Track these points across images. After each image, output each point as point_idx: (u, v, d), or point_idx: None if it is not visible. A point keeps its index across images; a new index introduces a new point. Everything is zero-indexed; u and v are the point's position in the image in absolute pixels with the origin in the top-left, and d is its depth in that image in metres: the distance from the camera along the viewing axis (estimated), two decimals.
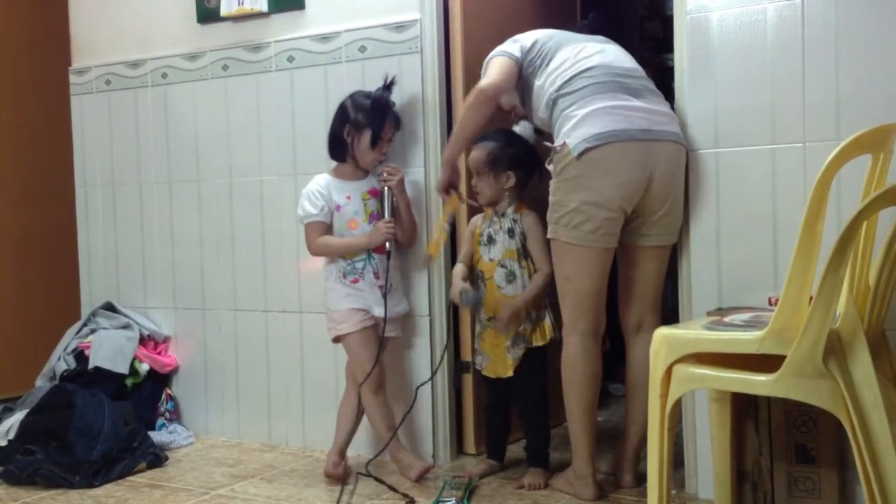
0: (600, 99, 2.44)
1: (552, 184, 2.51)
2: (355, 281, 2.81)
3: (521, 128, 2.79)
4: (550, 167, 2.52)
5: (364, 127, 2.79)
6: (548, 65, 2.58)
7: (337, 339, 2.87)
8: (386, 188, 2.83)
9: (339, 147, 2.86)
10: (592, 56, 2.54)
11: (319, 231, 2.82)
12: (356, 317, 2.81)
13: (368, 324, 2.82)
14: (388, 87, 2.85)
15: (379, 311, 2.81)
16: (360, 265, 2.82)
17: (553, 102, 2.53)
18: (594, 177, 2.41)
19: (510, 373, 2.71)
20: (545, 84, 2.56)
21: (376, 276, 2.82)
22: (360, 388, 2.80)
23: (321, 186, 2.84)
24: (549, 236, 2.55)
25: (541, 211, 2.65)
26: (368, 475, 2.69)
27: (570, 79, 2.50)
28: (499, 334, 2.71)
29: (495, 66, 2.61)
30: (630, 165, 2.41)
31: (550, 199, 2.52)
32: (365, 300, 2.81)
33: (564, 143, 2.43)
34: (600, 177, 2.41)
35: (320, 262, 2.93)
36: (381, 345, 2.83)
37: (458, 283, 2.74)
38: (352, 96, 2.86)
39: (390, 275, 2.82)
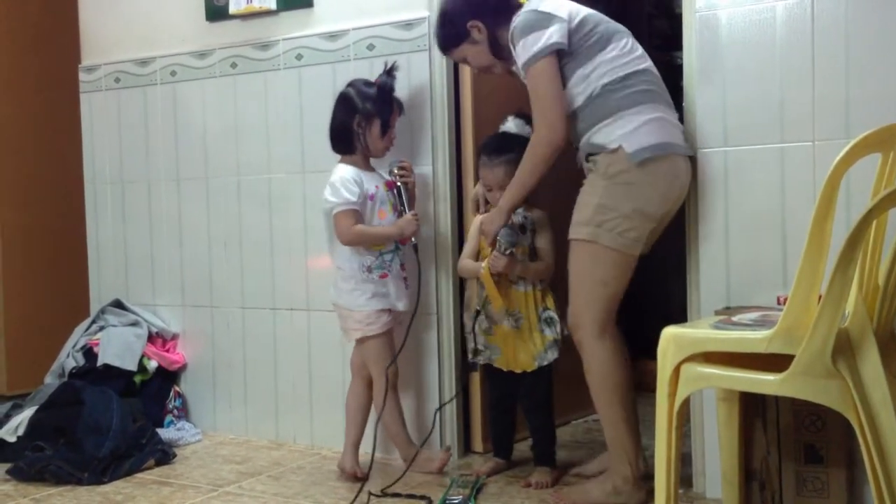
0: (655, 108, 2.43)
1: (599, 184, 2.43)
2: (384, 276, 2.78)
3: (513, 124, 2.75)
4: (589, 165, 2.47)
5: (373, 116, 2.76)
6: (599, 52, 2.45)
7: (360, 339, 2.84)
8: (401, 183, 2.81)
9: (346, 139, 2.80)
10: (642, 57, 2.50)
11: (354, 219, 2.74)
12: (383, 319, 2.79)
13: (392, 325, 2.83)
14: (389, 72, 2.82)
15: (401, 306, 2.81)
16: (388, 257, 2.79)
17: (599, 94, 2.44)
18: (648, 187, 2.40)
19: (530, 367, 2.69)
20: (591, 74, 2.44)
21: (403, 268, 2.82)
22: (377, 388, 2.80)
23: (354, 175, 2.77)
24: (583, 237, 2.44)
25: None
26: (384, 495, 2.63)
27: (625, 76, 2.44)
28: (512, 330, 2.69)
29: (550, 98, 2.41)
30: (674, 179, 2.43)
31: (592, 199, 2.43)
32: (389, 299, 2.80)
33: (621, 147, 2.39)
34: (653, 188, 2.40)
35: (328, 258, 2.91)
36: (405, 338, 2.82)
37: (469, 261, 2.75)
38: (353, 86, 2.82)
39: (413, 267, 2.82)
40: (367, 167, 2.85)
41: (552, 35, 2.42)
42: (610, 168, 2.41)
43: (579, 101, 2.47)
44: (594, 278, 2.45)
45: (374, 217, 2.80)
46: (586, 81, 2.45)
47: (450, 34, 2.66)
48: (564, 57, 2.46)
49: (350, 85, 2.84)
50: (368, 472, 2.75)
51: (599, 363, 2.47)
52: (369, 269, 2.78)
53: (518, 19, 2.49)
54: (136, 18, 3.54)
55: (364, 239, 2.77)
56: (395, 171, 2.82)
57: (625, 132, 2.40)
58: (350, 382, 2.92)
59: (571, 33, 2.45)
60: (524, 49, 2.45)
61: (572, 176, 2.59)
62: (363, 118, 2.77)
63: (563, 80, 2.47)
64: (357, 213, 2.75)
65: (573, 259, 2.49)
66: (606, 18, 2.53)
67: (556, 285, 2.75)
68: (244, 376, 3.37)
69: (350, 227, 2.73)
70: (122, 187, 3.61)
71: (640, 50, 2.51)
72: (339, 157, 2.86)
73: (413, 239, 2.80)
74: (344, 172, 2.78)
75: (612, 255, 2.42)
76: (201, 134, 3.42)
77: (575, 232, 2.47)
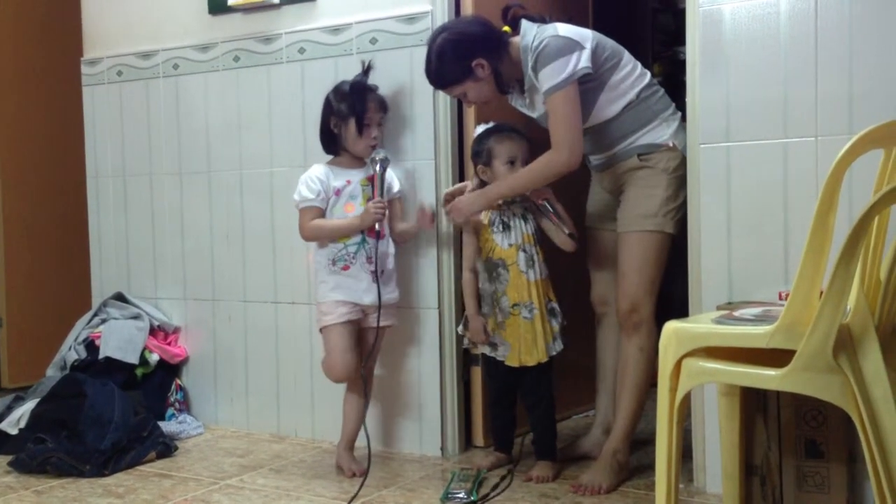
0: (675, 108, 2.67)
1: (660, 178, 2.59)
2: (346, 268, 2.79)
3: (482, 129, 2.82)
4: (642, 163, 2.60)
5: (348, 115, 2.80)
6: (618, 66, 2.60)
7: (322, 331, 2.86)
8: (375, 170, 2.79)
9: (329, 140, 2.87)
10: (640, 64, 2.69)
11: (312, 215, 2.81)
12: (340, 310, 2.78)
13: (352, 317, 2.80)
14: (365, 72, 2.87)
15: (368, 299, 2.78)
16: (352, 249, 2.80)
17: (637, 102, 2.60)
18: (685, 176, 2.59)
19: (544, 357, 2.69)
20: (620, 85, 2.60)
21: (369, 260, 2.79)
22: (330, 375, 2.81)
23: (320, 173, 2.83)
24: (651, 228, 2.59)
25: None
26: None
27: (648, 84, 2.64)
28: (524, 321, 2.68)
29: (575, 123, 2.51)
30: None
31: (657, 192, 2.59)
32: (353, 290, 2.79)
33: (675, 144, 2.59)
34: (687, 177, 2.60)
35: (312, 252, 2.92)
36: (377, 334, 2.81)
37: (478, 326, 2.72)
38: (335, 87, 2.87)
39: (383, 261, 2.81)
40: (353, 165, 2.87)
41: (579, 61, 2.52)
42: (670, 163, 2.60)
43: (615, 110, 2.61)
44: (658, 264, 2.63)
45: (340, 211, 2.82)
46: (618, 91, 2.60)
47: (452, 72, 2.65)
48: (591, 79, 2.56)
49: (334, 87, 2.88)
50: (368, 467, 2.74)
51: (654, 344, 2.52)
52: (333, 262, 2.81)
53: (541, 45, 2.53)
54: (139, 11, 3.54)
55: (322, 233, 2.82)
56: (375, 161, 2.82)
57: (672, 131, 2.61)
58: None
59: (595, 57, 2.55)
60: (551, 74, 2.51)
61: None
62: (339, 118, 2.82)
63: (594, 96, 2.59)
64: (316, 210, 2.81)
65: (635, 248, 2.62)
66: (602, 35, 2.66)
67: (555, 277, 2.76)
68: (246, 369, 3.38)
69: (307, 223, 2.82)
70: (125, 180, 3.61)
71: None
72: None
73: (377, 226, 2.75)
74: (311, 171, 2.85)
75: (670, 241, 2.64)
76: (203, 127, 3.42)
77: (641, 224, 2.60)
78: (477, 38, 2.63)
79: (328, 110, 2.84)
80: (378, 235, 2.76)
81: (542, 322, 2.69)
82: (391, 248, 2.87)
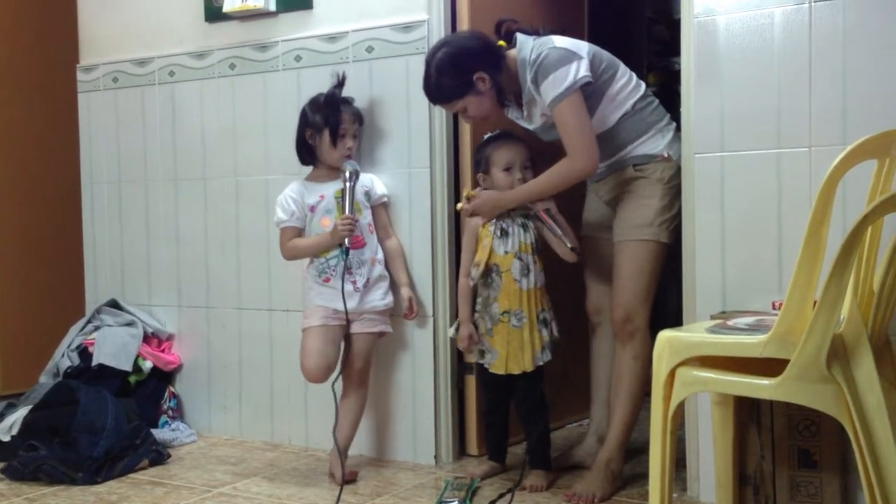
0: (670, 119, 2.70)
1: (655, 189, 2.61)
2: (327, 280, 2.84)
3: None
4: (638, 173, 2.63)
5: (322, 127, 2.85)
6: (614, 77, 2.63)
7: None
8: (345, 183, 2.81)
9: (305, 152, 2.92)
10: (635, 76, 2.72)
11: (290, 236, 2.88)
12: (320, 312, 2.83)
13: (331, 322, 2.83)
14: (339, 84, 2.92)
15: (340, 306, 2.79)
16: (333, 262, 2.83)
17: (632, 113, 2.63)
18: (679, 188, 2.61)
19: (530, 367, 2.68)
20: (617, 96, 2.62)
21: (349, 271, 2.83)
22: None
23: (293, 192, 2.90)
24: (647, 237, 2.61)
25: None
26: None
27: (644, 95, 2.66)
28: (513, 329, 2.68)
29: (587, 129, 2.52)
30: None
31: (652, 202, 2.61)
32: (335, 298, 2.80)
33: (669, 155, 2.62)
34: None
35: (307, 263, 2.93)
36: (350, 339, 2.84)
37: (465, 333, 2.73)
38: (311, 99, 2.93)
39: (366, 269, 2.85)
40: (329, 177, 2.91)
41: (580, 70, 2.53)
42: (664, 173, 2.62)
43: (612, 120, 2.64)
44: (653, 274, 2.64)
45: (317, 226, 2.87)
46: (615, 103, 2.62)
47: (453, 86, 2.64)
48: (590, 90, 2.57)
49: (311, 98, 2.92)
50: (343, 472, 2.73)
51: (649, 353, 2.53)
52: (319, 274, 2.86)
53: (540, 57, 2.54)
54: (135, 18, 3.54)
55: (299, 252, 2.89)
56: (344, 172, 2.83)
57: (666, 142, 2.64)
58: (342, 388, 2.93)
59: (592, 68, 2.57)
60: (553, 84, 2.52)
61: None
62: (313, 130, 2.87)
63: (593, 107, 2.60)
64: (293, 230, 2.89)
65: (630, 257, 2.64)
66: (597, 47, 2.68)
67: (552, 287, 2.76)
68: (239, 377, 3.37)
69: (284, 244, 2.89)
70: (120, 187, 3.61)
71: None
72: None
73: (346, 241, 2.77)
74: (286, 190, 2.93)
75: (665, 250, 2.64)
76: (199, 134, 3.42)
77: (636, 234, 2.62)
78: (477, 51, 2.64)
79: (304, 122, 2.90)
80: (348, 251, 2.79)
81: (532, 331, 2.68)
82: (378, 255, 2.90)
